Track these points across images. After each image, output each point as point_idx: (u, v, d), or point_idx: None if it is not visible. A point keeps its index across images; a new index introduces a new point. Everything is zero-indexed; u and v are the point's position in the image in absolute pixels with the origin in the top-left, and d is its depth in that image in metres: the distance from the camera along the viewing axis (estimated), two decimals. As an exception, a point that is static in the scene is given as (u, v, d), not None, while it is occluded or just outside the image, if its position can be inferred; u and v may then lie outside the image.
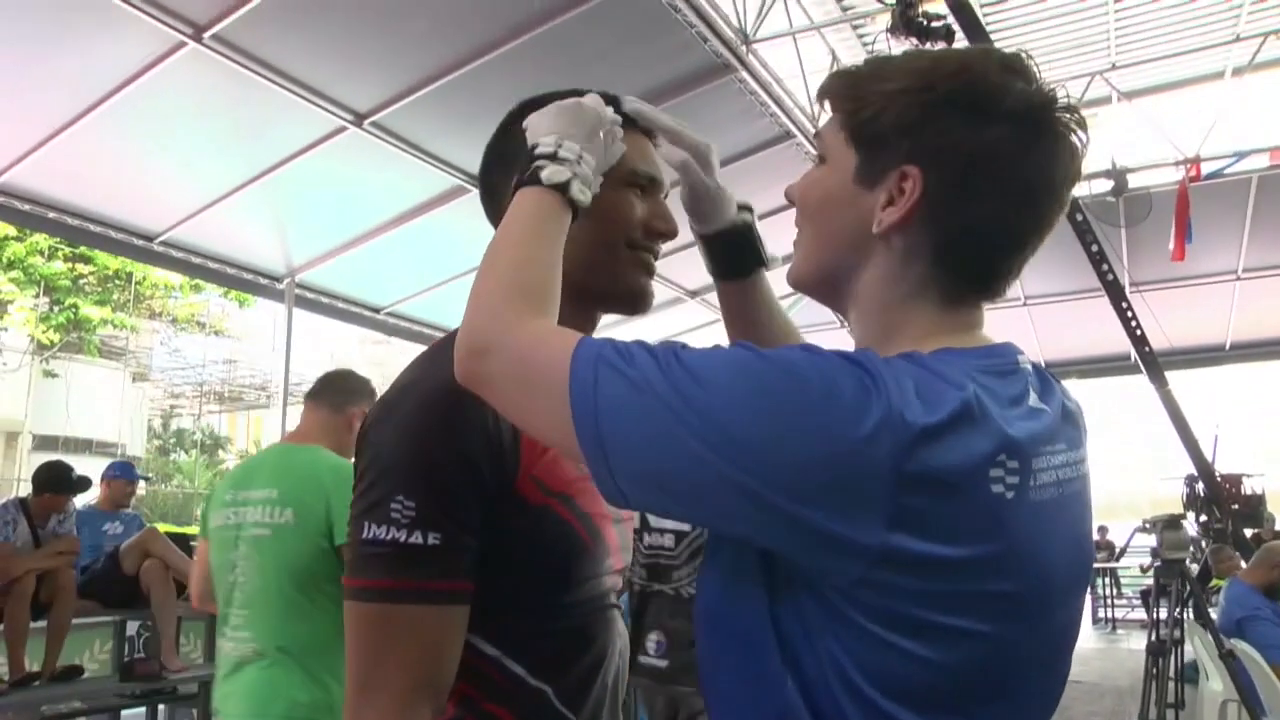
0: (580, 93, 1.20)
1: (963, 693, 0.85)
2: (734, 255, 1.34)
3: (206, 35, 5.26)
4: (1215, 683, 5.18)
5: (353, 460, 1.17)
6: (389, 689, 1.05)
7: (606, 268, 1.24)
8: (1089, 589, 10.58)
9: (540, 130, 1.14)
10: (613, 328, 1.24)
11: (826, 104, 1.02)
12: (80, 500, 6.51)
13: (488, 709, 1.14)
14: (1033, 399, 0.93)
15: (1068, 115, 0.94)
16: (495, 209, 1.26)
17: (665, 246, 1.31)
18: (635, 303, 1.28)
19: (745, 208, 1.34)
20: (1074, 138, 0.95)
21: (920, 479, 0.79)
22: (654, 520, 3.73)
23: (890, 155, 0.94)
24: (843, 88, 1.00)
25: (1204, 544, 7.77)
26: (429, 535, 1.05)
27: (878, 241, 0.96)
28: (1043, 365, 1.04)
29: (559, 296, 1.04)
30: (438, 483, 1.06)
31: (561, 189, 1.08)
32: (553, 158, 1.09)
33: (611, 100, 1.25)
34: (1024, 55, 0.97)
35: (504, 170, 1.24)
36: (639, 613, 3.70)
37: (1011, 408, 0.89)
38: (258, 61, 5.59)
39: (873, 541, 0.79)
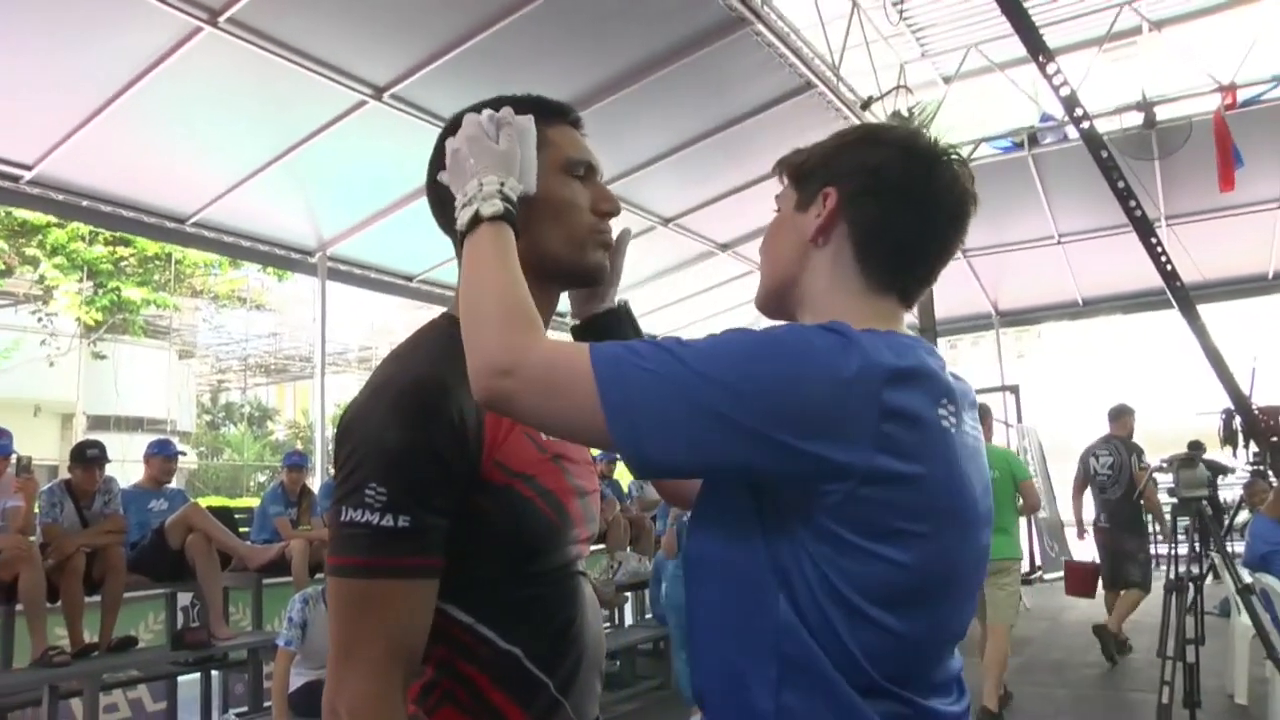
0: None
1: (923, 590, 1.09)
2: (611, 335, 1.46)
3: (222, 19, 5.33)
4: (1246, 617, 5.19)
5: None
6: (367, 656, 1.16)
7: (570, 254, 1.37)
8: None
9: (456, 180, 1.28)
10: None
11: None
12: (128, 479, 6.71)
13: (462, 670, 1.25)
14: (948, 374, 1.16)
15: (949, 153, 1.24)
16: (445, 216, 1.39)
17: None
18: (596, 278, 1.43)
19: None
20: (953, 169, 1.23)
21: (895, 411, 1.03)
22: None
23: (816, 183, 1.25)
24: (791, 155, 1.32)
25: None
26: (399, 518, 1.16)
27: (813, 248, 1.25)
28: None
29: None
30: (406, 472, 1.17)
31: (497, 217, 1.21)
32: (476, 198, 1.23)
33: (534, 103, 1.38)
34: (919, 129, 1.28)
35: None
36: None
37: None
38: (274, 41, 5.66)
39: (862, 462, 1.02)
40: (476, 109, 1.34)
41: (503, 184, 1.23)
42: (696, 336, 1.10)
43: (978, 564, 1.18)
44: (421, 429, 1.18)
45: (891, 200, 1.21)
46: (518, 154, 1.28)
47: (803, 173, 1.28)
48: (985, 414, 6.79)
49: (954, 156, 1.24)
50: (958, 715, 1.16)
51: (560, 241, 1.34)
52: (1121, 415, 7.90)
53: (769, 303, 1.31)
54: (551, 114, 1.39)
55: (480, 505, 1.23)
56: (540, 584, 1.31)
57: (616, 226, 1.47)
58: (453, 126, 1.35)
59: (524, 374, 1.09)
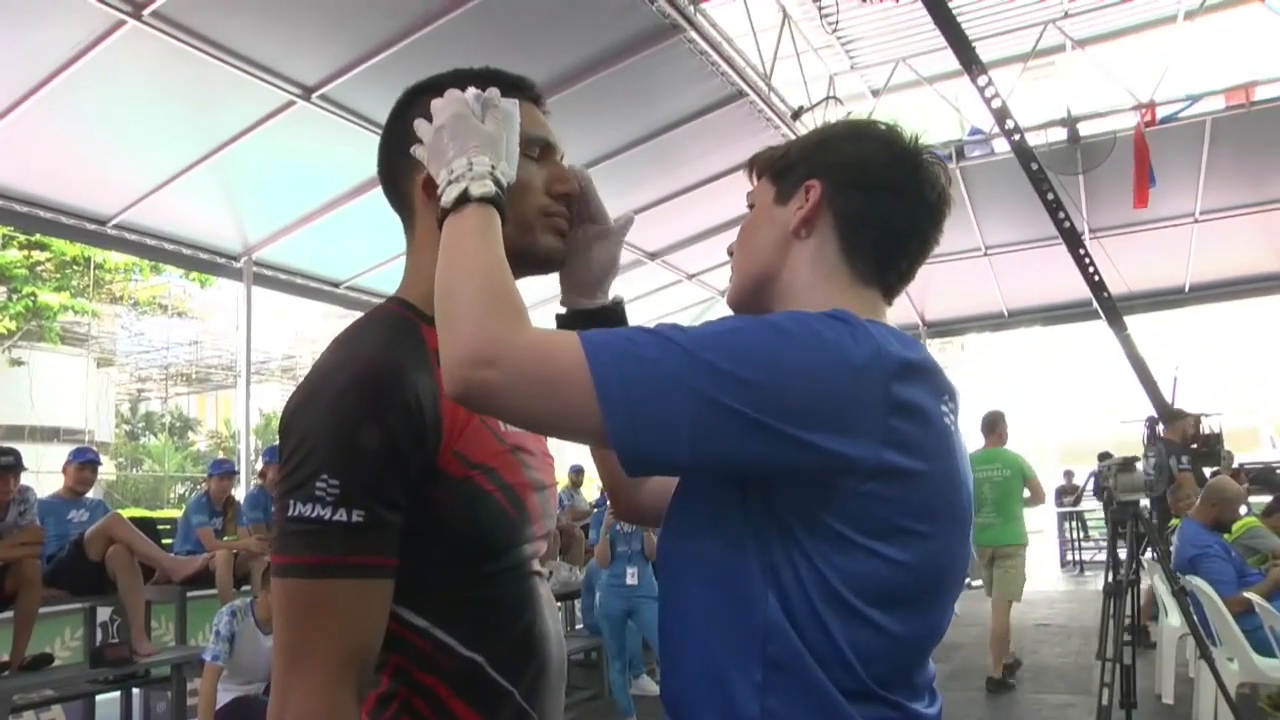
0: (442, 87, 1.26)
1: (921, 589, 1.07)
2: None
3: (146, 12, 5.18)
4: (1174, 618, 5.29)
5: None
6: (316, 662, 1.07)
7: (523, 238, 1.28)
8: (1059, 533, 10.92)
9: (439, 157, 1.19)
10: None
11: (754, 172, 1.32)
12: (43, 490, 6.47)
13: (420, 680, 1.17)
14: None
15: (929, 152, 1.23)
16: (398, 195, 1.34)
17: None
18: (551, 264, 1.35)
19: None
20: (934, 168, 1.22)
21: (903, 405, 1.01)
22: None
23: (797, 176, 1.23)
24: (767, 151, 1.31)
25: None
26: (353, 513, 1.08)
27: (795, 240, 1.22)
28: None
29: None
30: (361, 462, 1.08)
31: (486, 200, 1.14)
32: (466, 176, 1.15)
33: (491, 76, 1.30)
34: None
35: (402, 156, 1.28)
36: None
37: None
38: (200, 38, 5.52)
39: (869, 457, 0.99)
40: (440, 82, 1.28)
41: (494, 166, 1.17)
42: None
43: (966, 564, 1.17)
44: (376, 416, 1.10)
45: (877, 193, 1.20)
46: (504, 138, 1.21)
47: (782, 167, 1.26)
48: (998, 421, 7.12)
49: (934, 156, 1.23)
50: (934, 718, 1.14)
51: (509, 224, 1.22)
52: (1175, 419, 8.31)
53: (744, 298, 1.27)
54: (508, 87, 1.29)
55: (436, 499, 1.15)
56: (499, 584, 1.24)
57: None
58: (411, 99, 1.30)
59: (508, 365, 1.00)
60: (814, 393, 0.98)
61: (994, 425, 7.25)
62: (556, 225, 1.32)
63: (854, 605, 1.02)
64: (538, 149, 1.31)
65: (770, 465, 1.00)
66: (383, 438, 1.10)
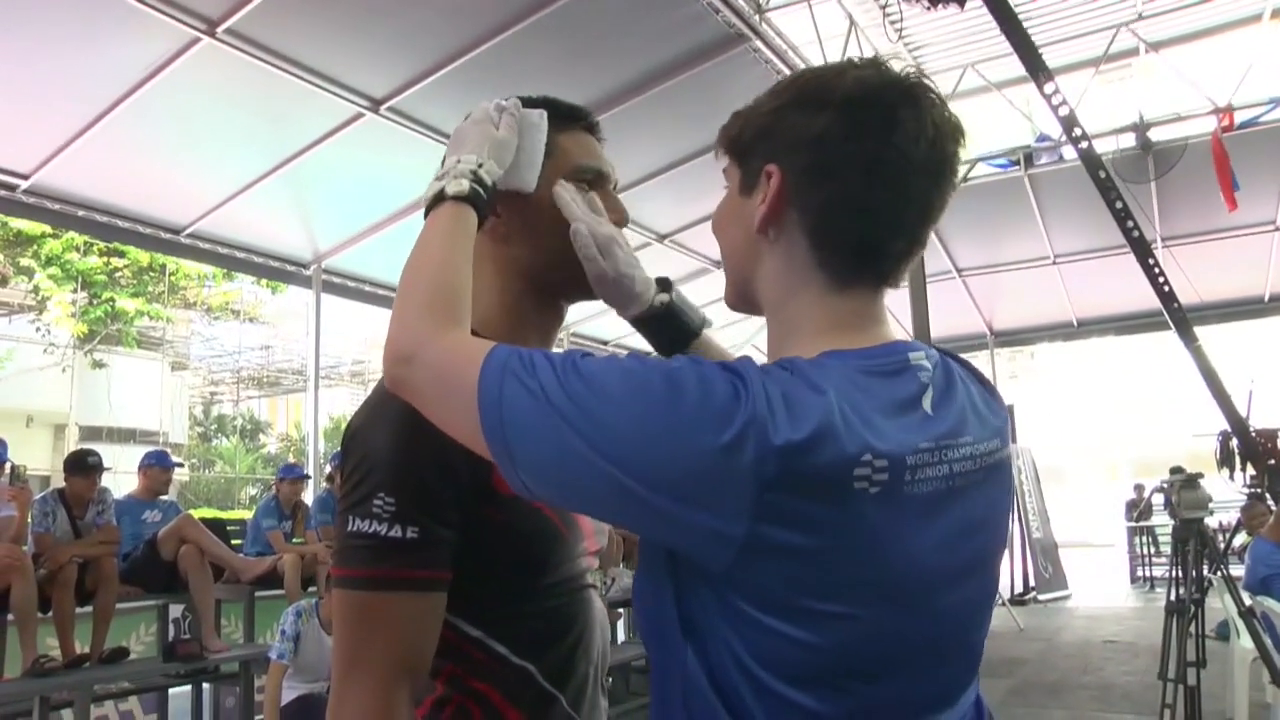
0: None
1: (843, 671, 0.91)
2: (666, 331, 1.41)
3: (220, 30, 5.34)
4: (1246, 640, 5.15)
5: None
6: (371, 669, 1.12)
7: (570, 264, 1.30)
8: (1129, 548, 10.59)
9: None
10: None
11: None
12: (120, 490, 6.67)
13: (474, 686, 1.22)
14: (927, 401, 0.98)
15: (912, 87, 1.00)
16: None
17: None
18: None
19: (664, 284, 1.41)
20: (916, 114, 0.98)
21: (783, 479, 0.85)
22: None
23: (756, 160, 1.04)
24: (728, 124, 1.10)
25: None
26: (407, 529, 1.12)
27: (761, 240, 1.04)
28: (955, 357, 1.09)
29: (469, 299, 1.13)
30: (416, 482, 1.13)
31: (459, 198, 1.17)
32: (448, 175, 1.19)
33: (549, 105, 1.34)
34: (880, 59, 1.04)
35: None
36: None
37: (892, 408, 0.94)
38: (272, 53, 5.67)
39: (739, 532, 0.85)
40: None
41: (479, 165, 1.19)
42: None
43: (948, 630, 0.99)
44: (431, 438, 1.12)
45: (845, 173, 0.98)
46: (514, 143, 1.25)
47: (740, 146, 1.07)
48: None
49: (919, 88, 1.00)
50: None
51: (561, 253, 1.28)
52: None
53: (734, 300, 1.14)
54: (564, 118, 1.34)
55: (490, 516, 1.19)
56: (552, 597, 1.28)
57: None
58: None
59: (421, 365, 1.04)
60: (682, 460, 0.86)
61: None
62: None
63: (763, 679, 0.90)
64: (590, 176, 1.34)
65: (640, 526, 0.93)
66: (437, 459, 1.13)
